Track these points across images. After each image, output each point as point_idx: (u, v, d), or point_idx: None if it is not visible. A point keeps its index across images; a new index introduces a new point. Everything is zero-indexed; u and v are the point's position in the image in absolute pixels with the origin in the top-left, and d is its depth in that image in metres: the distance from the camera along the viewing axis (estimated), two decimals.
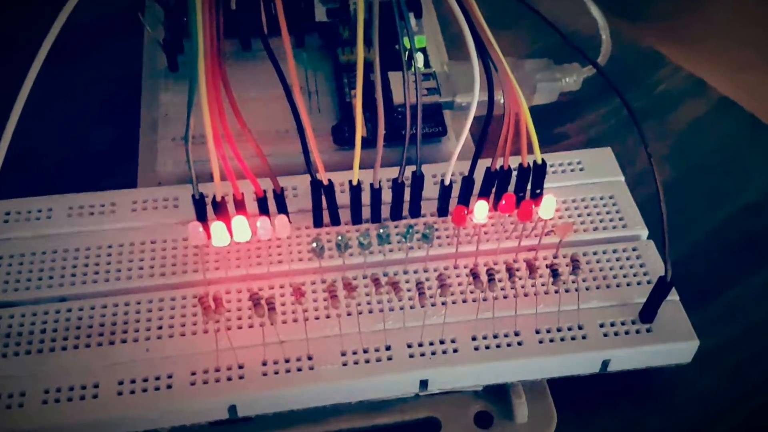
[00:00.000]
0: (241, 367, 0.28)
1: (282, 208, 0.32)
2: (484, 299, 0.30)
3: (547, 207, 0.30)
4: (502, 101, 0.30)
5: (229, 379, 0.28)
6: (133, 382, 0.28)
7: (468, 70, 0.29)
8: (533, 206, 0.30)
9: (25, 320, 0.29)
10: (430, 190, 0.33)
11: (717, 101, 0.46)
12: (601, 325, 0.30)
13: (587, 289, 0.31)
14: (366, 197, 0.32)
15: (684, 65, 0.48)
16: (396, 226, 0.33)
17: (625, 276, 0.32)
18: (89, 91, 0.44)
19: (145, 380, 0.28)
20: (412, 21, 0.42)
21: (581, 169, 0.36)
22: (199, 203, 0.31)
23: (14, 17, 0.49)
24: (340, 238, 0.29)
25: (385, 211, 0.33)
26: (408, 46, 0.29)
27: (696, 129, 0.44)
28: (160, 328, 0.29)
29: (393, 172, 0.32)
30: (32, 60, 0.26)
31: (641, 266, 0.32)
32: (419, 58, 0.40)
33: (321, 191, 0.32)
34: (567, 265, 0.31)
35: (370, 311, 0.30)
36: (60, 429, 0.27)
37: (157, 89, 0.40)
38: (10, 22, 0.48)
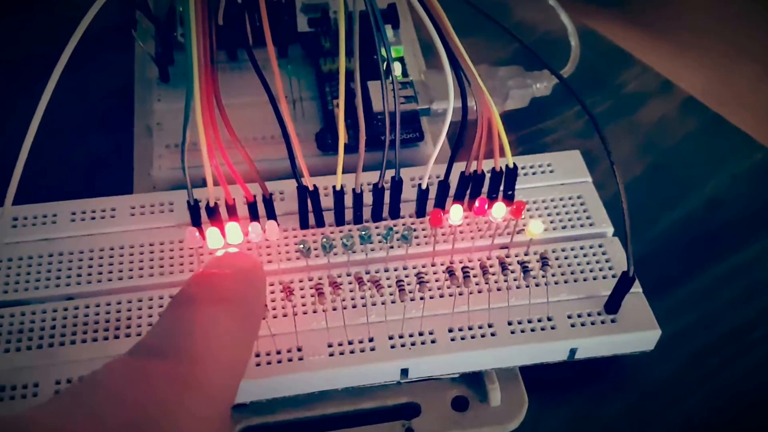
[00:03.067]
0: None
1: (270, 212, 0.33)
2: (460, 294, 0.32)
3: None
4: (476, 108, 0.31)
5: None
6: None
7: (443, 79, 0.30)
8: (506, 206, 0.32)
9: (36, 317, 0.31)
10: (409, 192, 0.35)
11: (682, 100, 0.47)
12: (569, 317, 0.31)
13: (556, 283, 0.33)
14: (348, 200, 0.34)
15: (651, 63, 0.49)
16: (377, 228, 0.34)
17: (591, 271, 0.33)
18: (85, 102, 0.45)
19: None
20: (390, 32, 0.43)
21: (551, 171, 0.37)
22: (193, 209, 0.32)
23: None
24: (325, 239, 0.30)
25: (367, 212, 0.34)
26: (385, 56, 0.30)
27: (661, 127, 0.46)
28: None
29: (373, 176, 0.33)
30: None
31: (607, 261, 0.33)
32: (397, 67, 0.41)
33: (307, 196, 0.33)
34: (537, 262, 0.33)
35: (354, 306, 0.31)
36: None
37: (149, 99, 0.41)
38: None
